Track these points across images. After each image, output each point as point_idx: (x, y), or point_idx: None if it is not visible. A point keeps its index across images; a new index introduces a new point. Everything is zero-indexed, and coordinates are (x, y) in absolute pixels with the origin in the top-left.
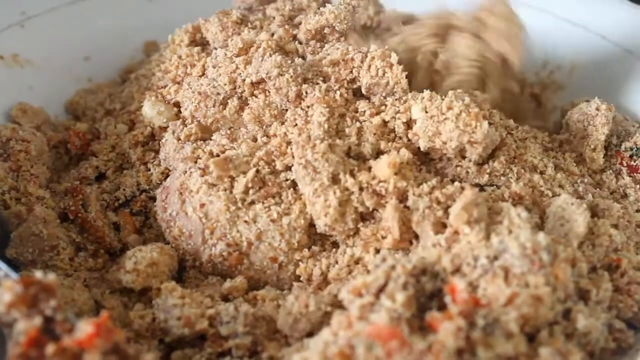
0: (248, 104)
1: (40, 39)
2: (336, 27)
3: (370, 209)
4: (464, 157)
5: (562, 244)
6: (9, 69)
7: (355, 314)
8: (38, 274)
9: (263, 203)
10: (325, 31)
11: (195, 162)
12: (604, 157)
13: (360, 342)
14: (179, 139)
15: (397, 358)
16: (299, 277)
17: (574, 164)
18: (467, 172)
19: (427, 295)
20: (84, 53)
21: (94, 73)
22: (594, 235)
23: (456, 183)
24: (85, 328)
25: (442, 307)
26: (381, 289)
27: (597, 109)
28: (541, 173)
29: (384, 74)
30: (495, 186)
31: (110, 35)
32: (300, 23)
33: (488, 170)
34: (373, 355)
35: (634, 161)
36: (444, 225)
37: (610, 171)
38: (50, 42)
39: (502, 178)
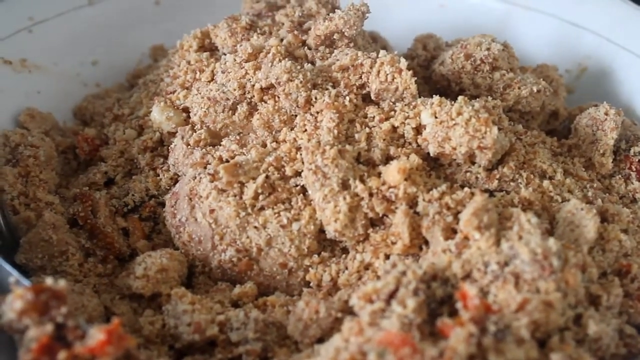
0: (257, 110)
1: (48, 44)
2: (345, 33)
3: (380, 215)
4: (473, 163)
5: (572, 250)
6: (17, 73)
7: (366, 320)
8: (49, 281)
9: (273, 209)
10: (334, 37)
11: (205, 167)
12: (612, 162)
13: (371, 349)
14: (188, 145)
15: None
16: (309, 283)
17: (583, 169)
18: (477, 178)
19: (438, 301)
20: (91, 57)
21: (102, 78)
22: (604, 240)
23: (466, 189)
24: (96, 335)
25: (453, 313)
26: (392, 295)
27: (606, 114)
28: (550, 178)
29: (393, 80)
30: (504, 192)
31: (117, 39)
32: (309, 29)
33: (497, 176)
34: None
35: None
36: (454, 231)
37: (619, 176)
38: (58, 47)
39: (512, 183)
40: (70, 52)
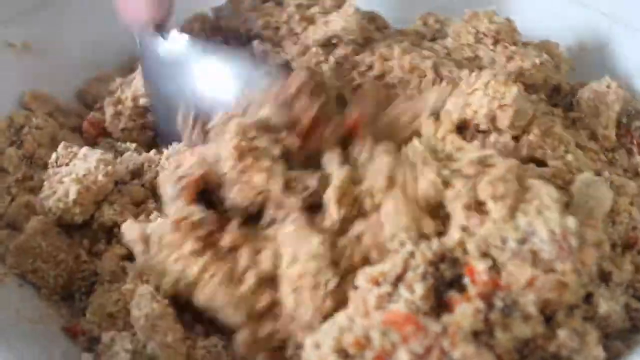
0: None
1: (51, 27)
2: (343, 39)
3: None
4: (499, 134)
5: (589, 226)
6: (21, 56)
7: (373, 303)
8: None
9: None
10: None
11: None
12: (615, 136)
13: (376, 330)
14: None
15: (413, 343)
16: None
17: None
18: (504, 147)
19: (447, 282)
20: (94, 40)
21: (104, 61)
22: (614, 212)
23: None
24: None
25: (461, 291)
26: (399, 278)
27: (608, 87)
28: (566, 150)
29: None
30: (530, 161)
31: (120, 22)
32: (315, 13)
33: (525, 144)
34: (389, 341)
35: None
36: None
37: (622, 150)
38: (61, 29)
39: (539, 151)
40: (73, 35)
